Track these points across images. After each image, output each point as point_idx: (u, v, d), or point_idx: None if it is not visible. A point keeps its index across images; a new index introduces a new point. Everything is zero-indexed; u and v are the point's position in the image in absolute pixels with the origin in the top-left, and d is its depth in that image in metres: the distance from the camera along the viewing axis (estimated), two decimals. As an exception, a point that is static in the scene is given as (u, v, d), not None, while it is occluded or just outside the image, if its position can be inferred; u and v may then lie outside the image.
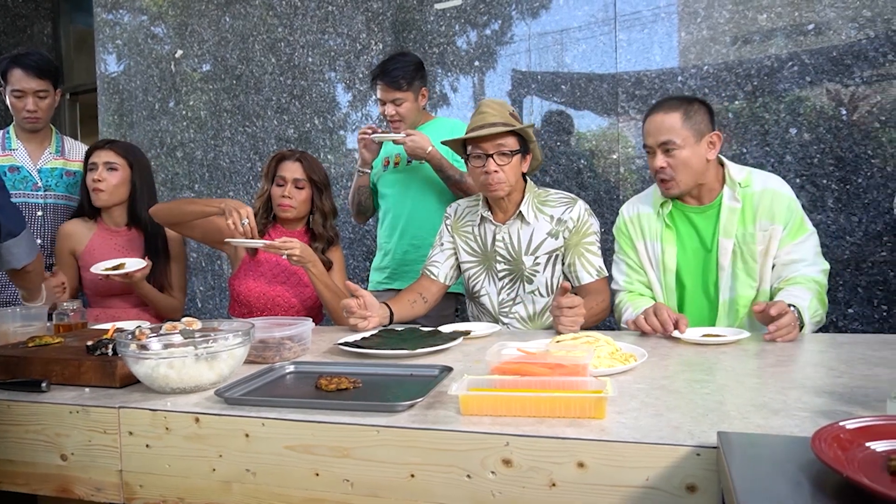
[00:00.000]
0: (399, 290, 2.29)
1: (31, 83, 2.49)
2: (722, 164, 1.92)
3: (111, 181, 2.33)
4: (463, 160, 2.20)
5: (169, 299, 2.39)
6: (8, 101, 2.54)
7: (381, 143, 2.57)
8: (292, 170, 2.26)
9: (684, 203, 1.95)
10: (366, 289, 2.01)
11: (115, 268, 2.20)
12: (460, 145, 2.08)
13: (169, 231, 2.41)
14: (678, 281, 1.95)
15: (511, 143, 1.97)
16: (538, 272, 2.04)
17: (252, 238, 2.06)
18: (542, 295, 2.06)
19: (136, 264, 2.19)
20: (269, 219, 2.31)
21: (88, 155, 2.39)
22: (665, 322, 1.68)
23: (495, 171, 1.95)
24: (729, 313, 1.89)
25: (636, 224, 2.01)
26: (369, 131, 2.53)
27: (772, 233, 1.83)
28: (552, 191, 2.10)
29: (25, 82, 2.48)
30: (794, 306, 1.64)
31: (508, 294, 2.09)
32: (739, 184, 1.87)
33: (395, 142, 2.47)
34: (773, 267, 1.85)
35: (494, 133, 1.94)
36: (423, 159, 2.44)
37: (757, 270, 1.86)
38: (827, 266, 1.85)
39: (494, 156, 1.95)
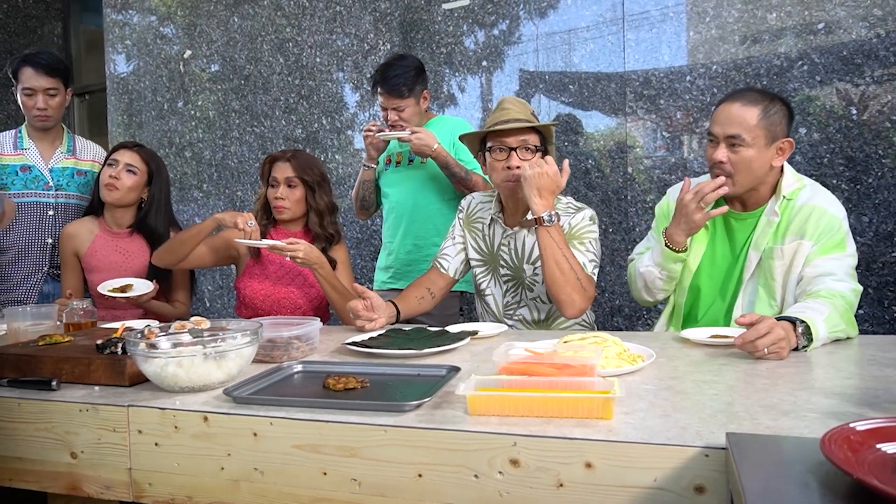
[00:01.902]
0: (402, 290, 2.28)
1: (42, 81, 2.51)
2: (781, 170, 1.78)
3: (126, 182, 2.34)
4: (475, 158, 2.18)
5: (174, 310, 2.41)
6: (19, 100, 2.57)
7: (387, 140, 2.57)
8: (283, 170, 2.24)
9: (729, 206, 1.82)
10: (371, 289, 2.01)
11: (122, 288, 2.23)
12: (475, 141, 2.06)
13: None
14: (696, 283, 1.88)
15: (534, 139, 1.95)
16: (537, 282, 2.01)
17: (256, 239, 2.07)
18: (544, 302, 2.03)
19: (142, 287, 2.22)
20: (269, 221, 2.30)
21: (113, 151, 2.40)
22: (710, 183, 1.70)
23: (517, 167, 1.92)
24: None
25: None
26: (374, 129, 2.52)
27: (797, 248, 1.70)
28: (564, 199, 2.04)
29: (35, 80, 2.51)
30: (801, 321, 1.46)
31: (513, 297, 2.07)
32: (785, 196, 1.74)
33: (400, 140, 2.47)
34: (798, 282, 1.70)
35: (520, 128, 1.92)
36: (428, 157, 2.44)
37: (777, 289, 1.74)
38: (859, 288, 1.66)
39: (518, 150, 1.93)
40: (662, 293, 1.93)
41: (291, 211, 2.26)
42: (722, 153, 1.72)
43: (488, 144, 2.00)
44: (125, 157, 2.36)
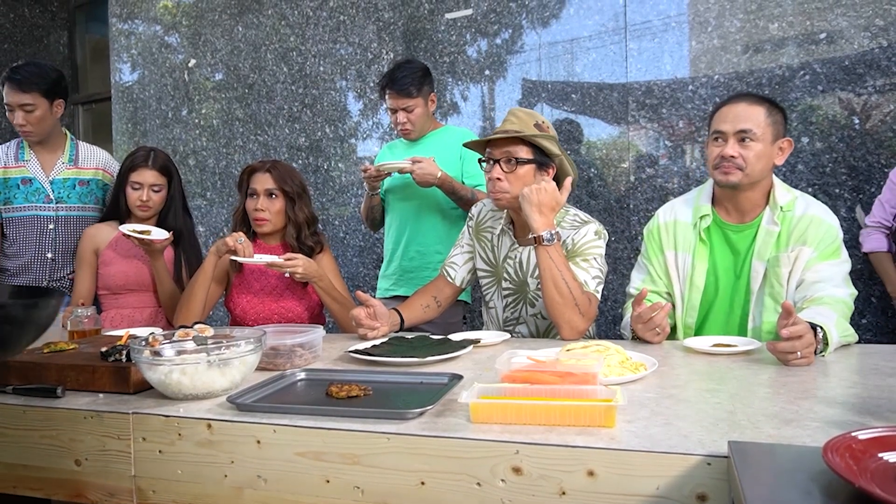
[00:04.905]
0: (405, 297, 2.26)
1: (17, 97, 2.46)
2: (770, 181, 1.84)
3: (156, 201, 2.38)
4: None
5: (174, 288, 2.38)
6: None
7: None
8: (263, 181, 2.19)
9: (723, 219, 1.87)
10: (373, 297, 2.00)
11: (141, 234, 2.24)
12: (480, 151, 2.03)
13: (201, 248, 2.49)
14: (704, 300, 1.88)
15: (522, 152, 1.88)
16: (541, 296, 1.92)
17: (250, 255, 2.06)
18: (544, 318, 2.00)
19: (161, 234, 2.25)
20: (248, 234, 2.25)
21: (130, 170, 2.35)
22: (658, 321, 1.68)
23: (498, 179, 1.87)
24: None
25: (670, 232, 1.93)
26: (372, 173, 2.49)
27: (798, 253, 1.74)
28: (572, 210, 1.99)
29: (11, 97, 2.47)
30: (819, 327, 1.49)
31: (512, 313, 2.05)
32: (781, 207, 1.79)
33: (401, 171, 2.45)
34: (798, 286, 1.75)
35: (503, 138, 1.87)
36: (432, 185, 2.41)
37: (783, 295, 1.77)
38: (855, 292, 1.74)
39: (501, 162, 1.89)
40: None
41: (272, 223, 2.21)
42: (732, 148, 1.77)
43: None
44: (147, 177, 2.34)
